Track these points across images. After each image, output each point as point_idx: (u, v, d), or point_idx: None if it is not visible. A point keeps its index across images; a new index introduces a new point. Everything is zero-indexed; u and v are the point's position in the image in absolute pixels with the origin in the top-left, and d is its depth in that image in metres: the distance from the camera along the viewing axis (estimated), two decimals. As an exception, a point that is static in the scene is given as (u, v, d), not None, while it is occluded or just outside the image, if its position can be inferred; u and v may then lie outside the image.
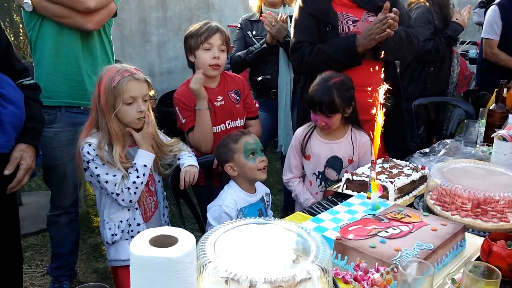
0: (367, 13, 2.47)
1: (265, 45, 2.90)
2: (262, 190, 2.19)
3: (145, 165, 1.95)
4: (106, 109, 1.90)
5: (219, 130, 2.36)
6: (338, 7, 2.48)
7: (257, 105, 2.55)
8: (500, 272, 1.07)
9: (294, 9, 2.60)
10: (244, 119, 2.46)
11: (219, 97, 2.35)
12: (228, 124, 2.39)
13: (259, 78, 3.05)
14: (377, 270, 1.14)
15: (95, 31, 2.49)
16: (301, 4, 2.53)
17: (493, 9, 3.75)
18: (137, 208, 2.02)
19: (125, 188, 1.92)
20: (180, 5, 6.43)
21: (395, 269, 1.12)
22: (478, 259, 1.37)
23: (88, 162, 1.92)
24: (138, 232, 1.83)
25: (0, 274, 2.07)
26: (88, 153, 1.91)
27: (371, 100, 1.72)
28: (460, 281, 1.15)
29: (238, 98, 2.43)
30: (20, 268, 2.25)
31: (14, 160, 1.89)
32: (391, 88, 2.43)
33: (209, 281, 1.10)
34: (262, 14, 2.98)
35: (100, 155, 1.90)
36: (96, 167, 1.91)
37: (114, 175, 1.92)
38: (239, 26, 3.13)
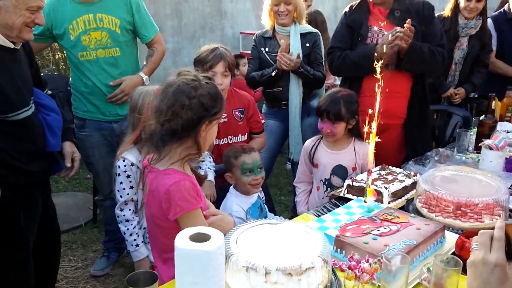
0: (401, 28, 2.73)
1: (276, 71, 3.14)
2: None
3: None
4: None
5: (222, 143, 2.66)
6: (374, 22, 2.78)
7: (263, 121, 2.82)
8: (461, 261, 1.34)
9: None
10: (247, 134, 2.73)
11: (223, 114, 2.63)
12: (230, 139, 2.69)
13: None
14: (367, 261, 1.42)
15: None
16: (342, 15, 2.89)
17: (488, 22, 3.99)
18: None
19: (127, 222, 2.27)
20: (194, 13, 6.70)
21: (381, 260, 1.40)
22: (454, 253, 1.64)
23: (118, 174, 2.22)
24: None
25: (40, 267, 2.37)
26: (119, 167, 2.21)
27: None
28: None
29: (241, 116, 2.70)
30: (58, 261, 2.62)
31: (69, 154, 2.36)
32: (418, 100, 2.76)
33: (233, 269, 1.39)
34: (275, 33, 3.27)
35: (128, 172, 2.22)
36: (121, 182, 2.23)
37: (128, 194, 2.23)
38: (253, 43, 3.38)
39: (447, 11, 3.66)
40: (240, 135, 2.72)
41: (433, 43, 2.73)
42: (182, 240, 1.20)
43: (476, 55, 3.71)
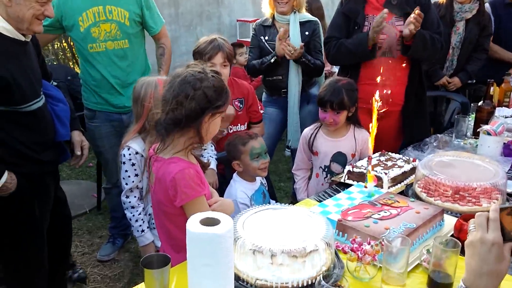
0: (395, 18, 2.78)
1: (275, 58, 3.18)
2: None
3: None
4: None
5: None
6: (370, 10, 2.80)
7: (261, 111, 2.85)
8: (459, 243, 1.40)
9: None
10: (246, 124, 2.78)
11: None
12: (230, 128, 2.73)
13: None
14: (369, 243, 1.48)
15: None
16: (339, 4, 2.92)
17: (486, 6, 4.02)
18: None
19: (132, 208, 2.32)
20: (191, 1, 6.68)
21: (382, 242, 1.45)
22: (453, 235, 1.70)
23: (123, 163, 2.28)
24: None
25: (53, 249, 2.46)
26: (124, 155, 2.27)
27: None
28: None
29: (241, 106, 2.74)
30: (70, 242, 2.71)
31: (78, 143, 2.46)
32: (415, 87, 2.81)
33: (240, 252, 1.45)
34: (274, 21, 3.30)
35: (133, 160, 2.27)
36: (126, 170, 2.28)
37: (133, 181, 2.29)
38: (253, 31, 3.42)
39: None
40: (239, 124, 2.77)
41: (431, 31, 2.76)
42: (193, 224, 1.25)
43: (475, 40, 3.74)
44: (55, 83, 2.47)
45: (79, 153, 2.44)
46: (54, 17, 2.66)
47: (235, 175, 2.45)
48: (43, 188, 2.28)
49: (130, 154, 2.26)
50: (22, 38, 2.04)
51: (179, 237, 1.66)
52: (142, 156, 2.26)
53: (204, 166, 1.90)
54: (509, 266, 1.03)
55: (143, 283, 1.43)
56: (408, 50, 2.71)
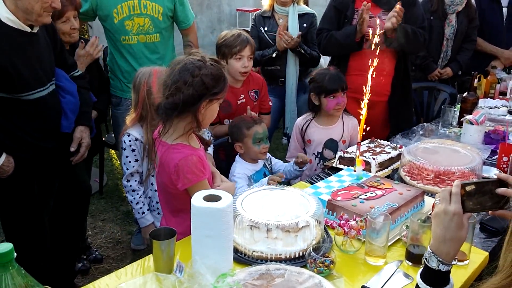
0: (383, 12, 2.93)
1: (276, 52, 3.33)
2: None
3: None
4: None
5: None
6: (360, 4, 2.92)
7: (270, 103, 3.00)
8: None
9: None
10: (257, 114, 2.91)
11: (241, 95, 2.80)
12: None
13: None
14: (354, 220, 1.64)
15: None
16: None
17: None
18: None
19: (133, 191, 2.45)
20: (191, -9, 6.80)
21: (366, 219, 1.62)
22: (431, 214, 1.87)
23: (124, 149, 2.41)
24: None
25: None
26: (124, 142, 2.40)
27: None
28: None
29: (256, 97, 2.89)
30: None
31: (77, 140, 2.42)
32: (401, 78, 2.97)
33: (239, 228, 1.62)
34: (273, 12, 3.43)
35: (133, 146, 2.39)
36: (126, 156, 2.42)
37: (133, 166, 2.42)
38: (253, 22, 3.55)
39: None
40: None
41: (415, 25, 2.92)
42: (197, 200, 1.42)
43: (465, 31, 3.90)
44: (78, 73, 2.50)
45: (72, 149, 2.41)
46: (89, 5, 2.74)
47: (237, 156, 2.59)
48: (45, 175, 2.33)
49: (130, 141, 2.39)
50: (28, 29, 2.09)
51: (179, 207, 1.85)
52: (141, 142, 2.40)
53: (207, 144, 2.03)
54: (467, 233, 1.20)
55: (150, 255, 1.59)
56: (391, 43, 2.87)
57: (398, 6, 2.75)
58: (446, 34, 3.84)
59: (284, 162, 2.73)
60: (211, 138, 2.70)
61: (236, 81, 2.79)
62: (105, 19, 2.91)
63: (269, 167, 2.67)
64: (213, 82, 1.78)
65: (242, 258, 1.60)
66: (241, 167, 2.50)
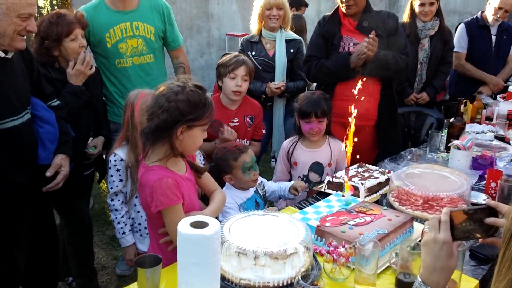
0: (367, 39, 2.96)
1: (264, 96, 3.44)
2: None
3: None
4: (139, 126, 2.29)
5: None
6: (345, 32, 3.02)
7: (263, 131, 3.01)
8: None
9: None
10: (249, 140, 2.93)
11: (235, 119, 2.80)
12: (237, 141, 2.85)
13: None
14: (343, 247, 1.62)
15: None
16: (317, 26, 3.12)
17: (461, 26, 4.29)
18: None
19: (116, 211, 2.44)
20: (182, 15, 6.84)
21: (355, 246, 1.60)
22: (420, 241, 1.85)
23: (110, 168, 2.40)
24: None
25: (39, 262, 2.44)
26: (110, 161, 2.40)
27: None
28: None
29: (251, 123, 2.90)
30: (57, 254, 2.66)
31: (55, 166, 2.25)
32: (387, 103, 3.01)
33: (226, 254, 1.58)
34: (261, 37, 3.47)
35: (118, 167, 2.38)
36: (111, 175, 2.41)
37: (117, 186, 2.40)
38: (240, 47, 3.59)
39: (405, 18, 3.95)
40: (245, 139, 2.91)
41: (398, 51, 2.96)
42: (184, 226, 1.39)
43: (440, 54, 3.96)
44: (56, 103, 2.38)
45: (48, 174, 2.22)
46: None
47: (227, 183, 2.54)
48: (15, 211, 2.15)
49: (115, 161, 2.39)
50: (2, 54, 1.98)
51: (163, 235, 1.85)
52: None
53: (200, 171, 2.00)
54: (457, 261, 1.19)
55: (135, 282, 1.55)
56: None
57: (371, 36, 2.79)
58: (420, 58, 3.92)
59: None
60: (203, 162, 2.65)
61: (231, 103, 2.79)
62: (98, 44, 2.91)
63: (262, 192, 2.61)
64: (188, 108, 1.75)
65: (229, 286, 1.56)
66: (231, 195, 2.45)
